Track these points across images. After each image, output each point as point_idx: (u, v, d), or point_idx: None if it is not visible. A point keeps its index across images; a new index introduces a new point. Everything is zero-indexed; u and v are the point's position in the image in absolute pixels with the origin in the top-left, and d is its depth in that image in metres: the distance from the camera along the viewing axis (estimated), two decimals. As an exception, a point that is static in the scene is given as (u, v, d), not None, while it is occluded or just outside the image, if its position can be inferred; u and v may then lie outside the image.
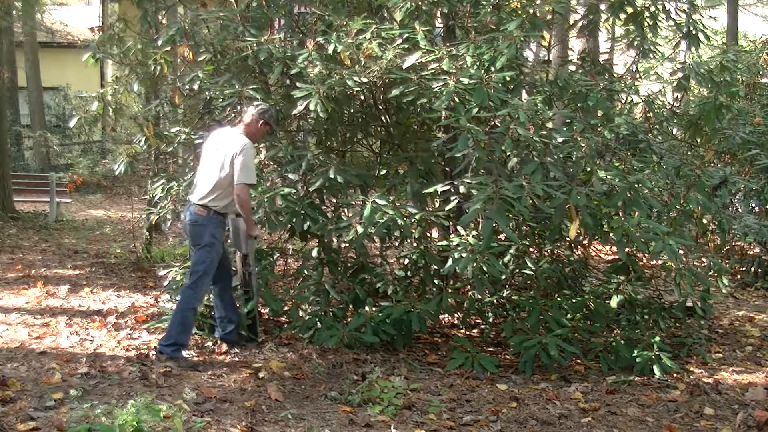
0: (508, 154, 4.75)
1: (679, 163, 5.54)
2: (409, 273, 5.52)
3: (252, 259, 4.95)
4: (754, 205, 8.12)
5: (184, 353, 4.67)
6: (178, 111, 6.41)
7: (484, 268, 4.48)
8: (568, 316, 5.08)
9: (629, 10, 5.75)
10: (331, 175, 5.04)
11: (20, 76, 15.51)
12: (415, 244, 5.32)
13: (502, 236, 5.06)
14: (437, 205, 5.44)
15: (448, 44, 5.19)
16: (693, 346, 5.21)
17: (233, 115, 5.35)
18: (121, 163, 6.12)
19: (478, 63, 4.86)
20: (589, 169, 4.74)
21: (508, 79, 4.92)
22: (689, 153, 6.62)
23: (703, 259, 5.99)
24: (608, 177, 4.70)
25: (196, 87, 5.49)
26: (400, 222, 4.67)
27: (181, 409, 3.49)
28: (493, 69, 4.78)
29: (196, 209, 4.68)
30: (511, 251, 5.27)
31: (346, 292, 5.30)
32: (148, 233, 8.03)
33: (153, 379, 4.21)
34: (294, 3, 6.13)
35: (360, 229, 4.63)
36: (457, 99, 4.61)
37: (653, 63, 7.60)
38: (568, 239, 5.33)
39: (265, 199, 4.93)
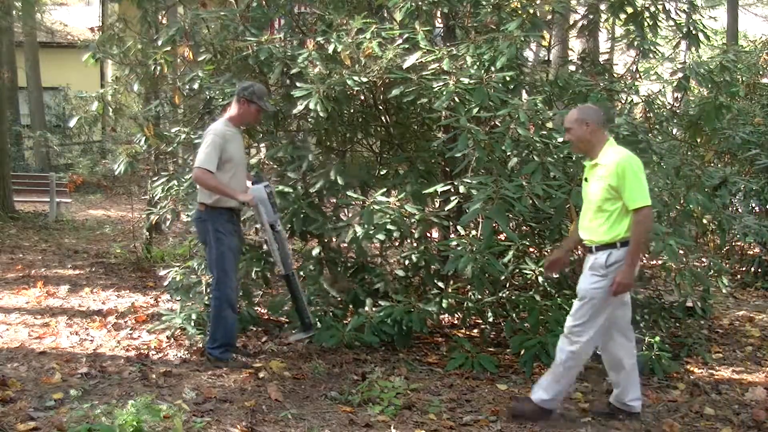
0: (508, 154, 4.75)
1: (679, 163, 5.53)
2: (409, 273, 5.51)
3: (269, 231, 4.58)
4: (754, 205, 8.12)
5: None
6: (178, 111, 6.42)
7: (484, 268, 4.47)
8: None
9: (629, 10, 5.75)
10: (332, 177, 5.03)
11: (20, 76, 15.48)
12: (415, 244, 5.32)
13: (502, 236, 5.05)
14: (437, 205, 5.43)
15: (448, 44, 5.19)
16: (693, 346, 5.21)
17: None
18: (121, 163, 6.12)
19: (478, 63, 4.86)
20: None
21: (508, 79, 4.92)
22: (689, 153, 6.60)
23: (703, 259, 5.98)
24: (608, 177, 4.69)
25: (196, 87, 5.49)
26: (399, 222, 4.67)
27: (181, 409, 3.49)
28: (493, 69, 4.78)
29: (198, 206, 4.63)
30: (511, 251, 5.27)
31: (346, 292, 5.30)
32: (148, 233, 8.02)
33: (153, 379, 4.21)
34: (294, 3, 6.13)
35: (359, 230, 4.61)
36: (457, 99, 4.61)
37: (653, 63, 7.60)
38: (568, 239, 5.32)
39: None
